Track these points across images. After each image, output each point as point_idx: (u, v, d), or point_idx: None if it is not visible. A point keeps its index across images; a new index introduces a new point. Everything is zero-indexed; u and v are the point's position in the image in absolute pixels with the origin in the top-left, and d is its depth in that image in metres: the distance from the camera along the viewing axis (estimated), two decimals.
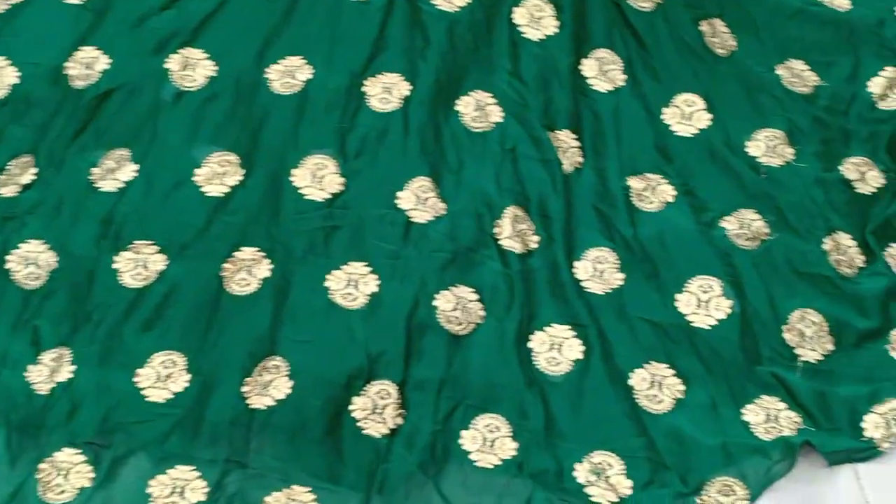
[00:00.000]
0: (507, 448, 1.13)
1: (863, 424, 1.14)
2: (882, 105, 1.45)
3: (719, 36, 1.52)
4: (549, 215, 1.33)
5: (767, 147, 1.40)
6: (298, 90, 1.40)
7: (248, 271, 1.25)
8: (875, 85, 1.46)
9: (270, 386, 1.15)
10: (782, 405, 1.16)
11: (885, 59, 1.48)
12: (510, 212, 1.31)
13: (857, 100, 1.46)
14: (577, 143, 1.40)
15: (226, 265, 1.25)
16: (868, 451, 1.13)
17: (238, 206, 1.30)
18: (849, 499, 1.10)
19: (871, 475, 1.11)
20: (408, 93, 1.40)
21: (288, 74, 1.41)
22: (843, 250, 1.30)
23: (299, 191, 1.31)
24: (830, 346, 1.22)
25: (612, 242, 1.31)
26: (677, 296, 1.26)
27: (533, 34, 1.46)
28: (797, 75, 1.49)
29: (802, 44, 1.52)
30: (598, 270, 1.29)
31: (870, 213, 1.34)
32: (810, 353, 1.21)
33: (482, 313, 1.24)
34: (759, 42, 1.52)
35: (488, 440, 1.13)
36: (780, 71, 1.49)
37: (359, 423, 1.13)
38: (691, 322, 1.24)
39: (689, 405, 1.17)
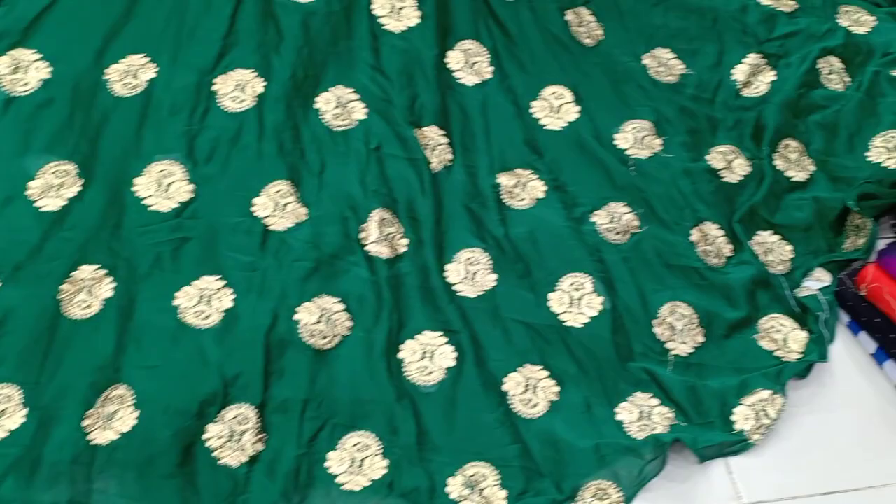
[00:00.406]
0: (377, 467, 1.08)
1: (733, 417, 1.14)
2: (746, 92, 1.46)
3: (586, 25, 1.50)
4: (417, 217, 1.28)
5: (635, 139, 1.39)
6: (141, 91, 1.30)
7: (88, 292, 1.15)
8: (739, 72, 1.47)
9: (114, 418, 1.06)
10: (655, 401, 1.15)
11: (748, 45, 1.49)
12: (377, 215, 1.25)
13: (722, 87, 1.46)
14: (445, 140, 1.35)
15: (64, 286, 1.15)
16: (739, 445, 1.13)
17: (76, 221, 1.20)
18: (722, 494, 1.10)
19: (743, 469, 1.11)
20: (262, 90, 1.32)
21: (130, 74, 1.31)
22: (711, 240, 1.30)
23: (143, 201, 1.22)
24: (701, 339, 1.22)
25: (483, 242, 1.28)
26: (550, 295, 1.24)
27: (394, 25, 1.41)
28: (663, 64, 1.48)
29: (667, 31, 1.51)
30: (471, 272, 1.25)
31: (737, 201, 1.35)
32: (681, 347, 1.21)
33: (349, 324, 1.18)
34: (624, 30, 1.51)
35: (356, 460, 1.08)
36: (646, 60, 1.48)
37: (214, 453, 1.06)
38: (564, 321, 1.22)
39: (563, 407, 1.15)
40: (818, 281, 1.25)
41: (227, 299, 1.16)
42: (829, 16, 1.52)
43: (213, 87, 1.32)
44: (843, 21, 1.52)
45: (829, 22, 1.51)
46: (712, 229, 1.31)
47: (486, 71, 1.43)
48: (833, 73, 1.47)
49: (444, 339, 1.18)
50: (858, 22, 1.52)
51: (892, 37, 1.49)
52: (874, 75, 1.43)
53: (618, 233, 1.30)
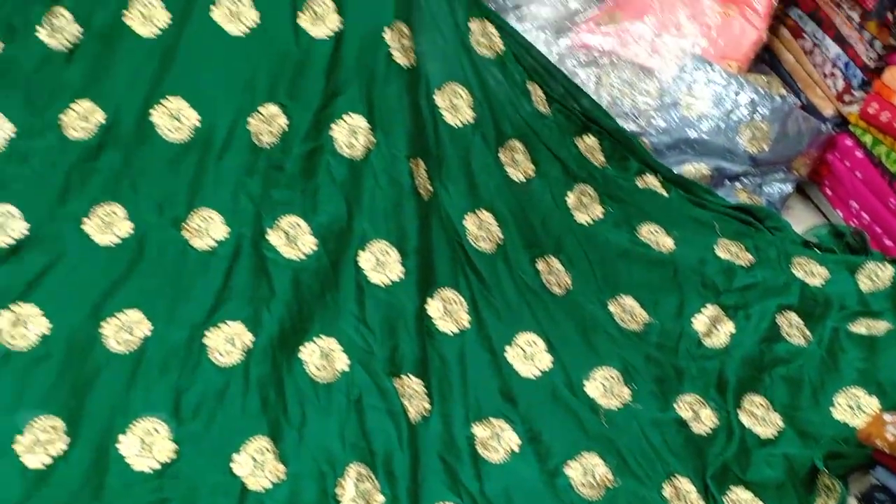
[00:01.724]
0: None
1: None
2: (707, 342, 1.45)
3: (555, 274, 1.51)
4: (394, 472, 1.23)
5: (605, 388, 1.37)
6: (135, 348, 1.28)
7: None
8: (699, 322, 1.47)
9: None
10: None
11: (706, 297, 1.51)
12: (353, 470, 1.21)
13: (684, 336, 1.46)
14: (423, 389, 1.33)
15: None
16: None
17: (60, 481, 1.15)
18: None
19: None
20: (250, 344, 1.31)
21: (124, 330, 1.29)
22: (683, 495, 1.26)
23: (126, 460, 1.18)
24: None
25: (458, 497, 1.23)
26: None
27: (379, 279, 1.41)
28: (628, 311, 1.49)
29: (631, 281, 1.53)
30: None
31: (707, 454, 1.31)
32: None
33: None
34: (592, 278, 1.53)
35: None
36: (612, 307, 1.49)
37: None
38: None
39: None
40: None
41: None
42: (784, 268, 1.55)
43: (204, 341, 1.30)
44: (797, 272, 1.54)
45: (784, 274, 1.53)
46: (684, 484, 1.27)
47: (464, 319, 1.42)
48: (793, 328, 1.47)
49: None
50: (812, 273, 1.55)
51: (845, 288, 1.51)
52: (833, 332, 1.43)
53: (591, 487, 1.25)
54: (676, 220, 1.63)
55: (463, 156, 1.54)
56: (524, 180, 1.59)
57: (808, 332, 1.47)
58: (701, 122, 1.74)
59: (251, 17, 1.45)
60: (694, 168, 1.76)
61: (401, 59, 1.49)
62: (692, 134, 1.74)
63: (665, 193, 1.69)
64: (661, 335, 1.46)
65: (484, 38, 1.60)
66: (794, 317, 1.48)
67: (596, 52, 1.87)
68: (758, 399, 1.38)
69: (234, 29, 1.45)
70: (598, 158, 1.71)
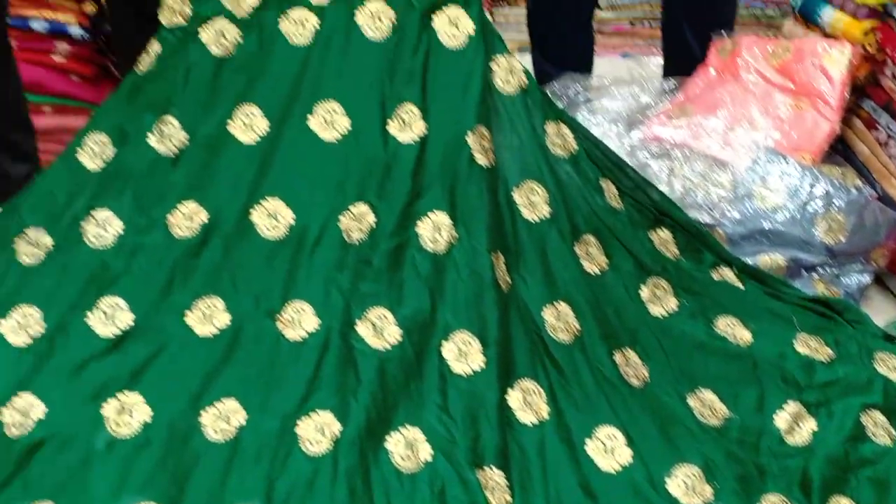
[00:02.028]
0: None
1: None
2: (790, 440, 1.42)
3: (632, 366, 1.51)
4: None
5: (686, 486, 1.34)
6: (231, 437, 1.32)
7: None
8: (781, 420, 1.44)
9: None
10: None
11: (788, 393, 1.47)
12: None
13: (765, 433, 1.43)
14: (504, 481, 1.33)
15: None
16: None
17: None
18: None
19: None
20: (339, 434, 1.33)
21: (222, 419, 1.34)
22: None
23: None
24: None
25: None
26: None
27: (461, 369, 1.43)
28: (708, 406, 1.47)
29: (708, 374, 1.51)
30: None
31: None
32: None
33: None
34: (669, 370, 1.52)
35: None
36: (691, 401, 1.47)
37: None
38: None
39: None
40: None
41: None
42: (866, 364, 1.51)
43: (296, 430, 1.33)
44: (880, 368, 1.51)
45: (867, 370, 1.49)
46: None
47: (544, 410, 1.42)
48: (878, 427, 1.43)
49: None
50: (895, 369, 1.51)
51: None
52: None
53: None
54: (753, 313, 1.61)
55: (540, 249, 1.57)
56: (598, 273, 1.60)
57: (893, 432, 1.42)
58: (776, 213, 1.74)
59: (343, 124, 1.54)
60: (770, 259, 1.75)
61: (482, 159, 1.54)
62: (767, 225, 1.74)
63: (740, 286, 1.68)
64: (742, 431, 1.43)
65: (558, 139, 1.65)
66: (878, 416, 1.44)
67: (668, 145, 1.90)
68: (844, 501, 1.33)
69: (328, 135, 1.53)
70: (672, 251, 1.71)
